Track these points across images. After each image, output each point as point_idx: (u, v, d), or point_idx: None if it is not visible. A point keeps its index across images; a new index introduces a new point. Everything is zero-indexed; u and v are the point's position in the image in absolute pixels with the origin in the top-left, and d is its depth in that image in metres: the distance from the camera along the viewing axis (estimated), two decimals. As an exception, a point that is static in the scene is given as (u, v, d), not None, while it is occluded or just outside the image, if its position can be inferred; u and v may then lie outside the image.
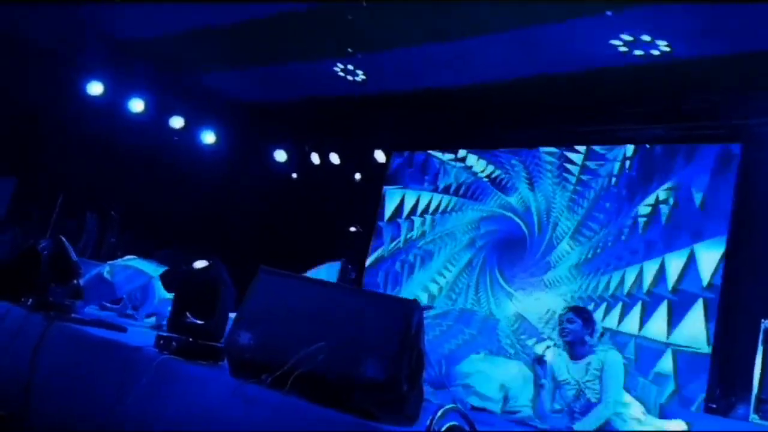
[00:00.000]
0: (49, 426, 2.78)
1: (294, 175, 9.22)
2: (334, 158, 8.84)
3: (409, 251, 7.76)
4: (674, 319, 5.71)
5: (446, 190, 7.72)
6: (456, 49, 6.20)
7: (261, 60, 7.43)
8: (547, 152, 7.08)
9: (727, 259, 5.66)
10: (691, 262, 5.84)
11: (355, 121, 8.29)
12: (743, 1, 4.66)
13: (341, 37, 6.47)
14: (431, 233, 7.62)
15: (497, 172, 7.39)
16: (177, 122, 8.51)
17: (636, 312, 5.92)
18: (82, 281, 3.71)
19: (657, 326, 5.79)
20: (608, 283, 6.18)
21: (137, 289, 4.88)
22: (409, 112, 7.64)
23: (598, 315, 5.90)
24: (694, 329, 5.59)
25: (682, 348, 5.59)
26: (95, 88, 7.80)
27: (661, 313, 5.80)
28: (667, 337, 5.69)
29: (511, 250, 7.00)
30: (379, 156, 8.47)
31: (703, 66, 5.58)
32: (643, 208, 6.24)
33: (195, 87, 8.35)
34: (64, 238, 3.54)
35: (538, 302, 6.55)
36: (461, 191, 7.59)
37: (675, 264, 5.88)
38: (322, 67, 7.14)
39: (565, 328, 4.19)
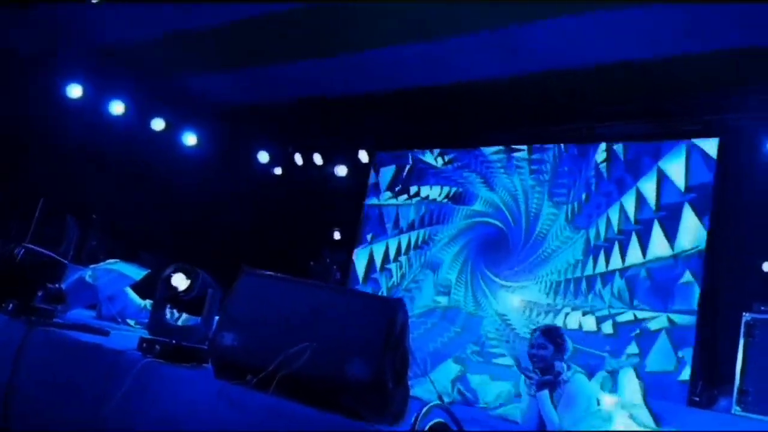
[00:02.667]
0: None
1: (277, 171, 9.17)
2: (318, 159, 8.83)
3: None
4: (670, 232, 6.08)
5: (411, 228, 7.79)
6: (438, 50, 6.23)
7: (242, 62, 7.39)
8: (494, 152, 7.38)
9: (708, 253, 5.74)
10: (662, 179, 6.29)
11: (338, 121, 8.28)
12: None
13: (322, 38, 6.46)
14: (411, 271, 7.67)
15: (453, 190, 7.52)
16: (158, 124, 8.47)
17: (634, 243, 6.27)
18: (64, 285, 3.67)
19: (659, 246, 6.13)
20: (597, 231, 6.49)
21: (119, 292, 4.84)
22: (394, 111, 7.65)
23: (600, 264, 6.36)
24: (692, 232, 5.97)
25: (688, 252, 5.90)
26: (74, 92, 7.73)
27: (657, 233, 6.15)
28: (673, 250, 6.02)
29: (496, 250, 7.05)
30: (363, 156, 8.48)
31: (679, 64, 5.64)
32: (600, 155, 6.69)
33: (175, 89, 8.29)
34: (32, 246, 3.48)
35: (540, 279, 6.67)
36: (426, 222, 7.71)
37: (648, 187, 6.35)
38: (304, 68, 7.12)
39: (536, 354, 4.15)
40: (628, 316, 6.05)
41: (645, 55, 5.68)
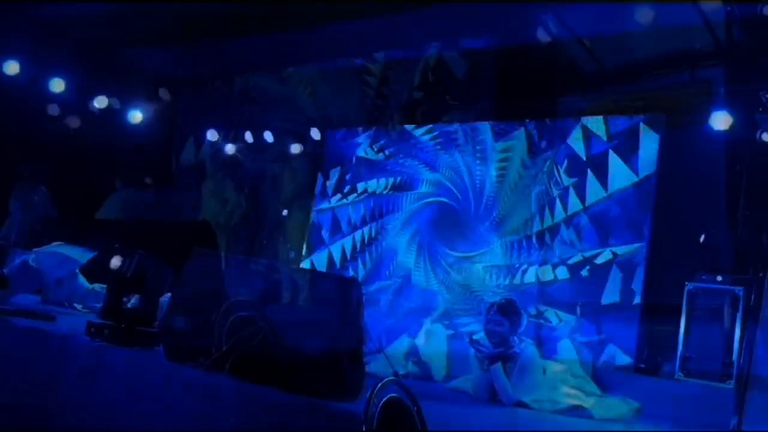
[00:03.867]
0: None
1: (228, 149, 8.99)
2: (268, 136, 8.72)
3: None
4: (629, 156, 5.83)
5: (354, 228, 7.49)
6: (389, 24, 6.19)
7: (188, 38, 7.22)
8: (424, 132, 7.23)
9: (653, 224, 5.86)
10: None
11: (289, 98, 8.17)
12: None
13: (269, 14, 6.35)
14: (365, 269, 7.30)
15: (396, 179, 7.41)
16: (101, 102, 8.24)
17: (591, 180, 5.99)
18: (6, 270, 3.56)
19: (620, 174, 5.86)
20: (550, 179, 6.26)
21: (66, 276, 4.73)
22: (345, 87, 7.58)
23: (558, 212, 6.07)
24: (653, 152, 5.76)
25: (653, 175, 5.70)
26: (11, 68, 7.45)
27: (615, 163, 5.87)
28: (638, 175, 5.78)
29: (449, 226, 7.02)
30: (315, 133, 8.40)
31: (622, 39, 5.72)
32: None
33: (119, 65, 8.05)
34: None
35: (500, 242, 6.50)
36: (371, 216, 7.41)
37: (593, 121, 6.12)
38: (253, 43, 7.00)
39: (493, 330, 4.24)
40: (605, 255, 5.78)
41: (591, 31, 5.75)
